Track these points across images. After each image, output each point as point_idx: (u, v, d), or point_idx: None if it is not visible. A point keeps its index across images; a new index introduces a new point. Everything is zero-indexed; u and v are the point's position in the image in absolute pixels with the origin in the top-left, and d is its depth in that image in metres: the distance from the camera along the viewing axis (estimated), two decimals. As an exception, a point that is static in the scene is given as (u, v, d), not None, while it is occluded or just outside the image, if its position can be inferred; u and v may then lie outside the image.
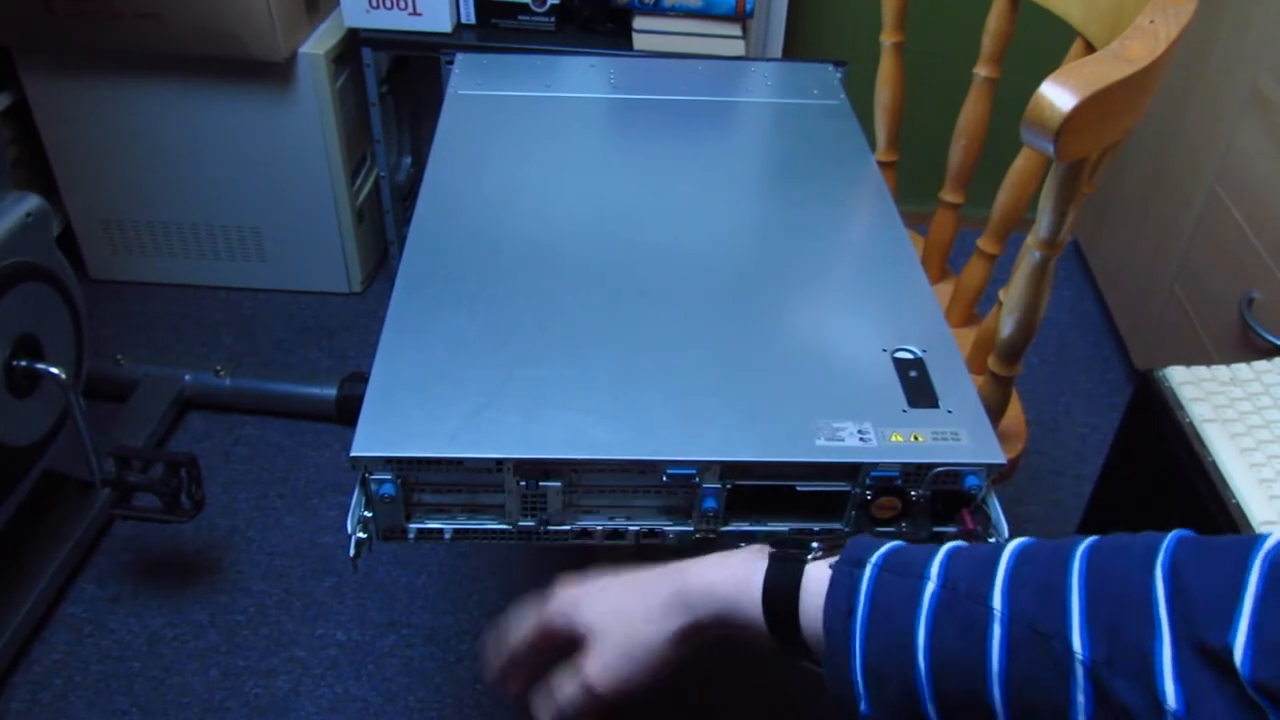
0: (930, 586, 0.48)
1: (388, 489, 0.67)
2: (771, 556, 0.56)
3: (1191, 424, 0.93)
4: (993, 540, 0.68)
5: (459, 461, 0.66)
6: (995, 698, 0.45)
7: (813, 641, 0.53)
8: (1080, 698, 0.42)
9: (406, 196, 1.94)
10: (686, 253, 0.87)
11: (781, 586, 0.54)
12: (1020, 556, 0.48)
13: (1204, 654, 0.40)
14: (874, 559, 0.51)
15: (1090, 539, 0.47)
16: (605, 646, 0.57)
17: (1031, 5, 1.00)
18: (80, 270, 1.89)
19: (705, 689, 1.26)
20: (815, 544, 0.55)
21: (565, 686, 0.59)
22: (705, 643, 0.59)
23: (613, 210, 0.92)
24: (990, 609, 0.46)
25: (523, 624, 0.62)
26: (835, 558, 0.53)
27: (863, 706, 0.50)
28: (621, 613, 0.58)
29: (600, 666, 0.57)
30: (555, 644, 0.61)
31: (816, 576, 0.53)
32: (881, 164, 1.11)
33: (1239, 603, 0.40)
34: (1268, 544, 0.42)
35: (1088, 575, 0.45)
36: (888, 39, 1.16)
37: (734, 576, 0.56)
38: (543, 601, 0.61)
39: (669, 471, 0.66)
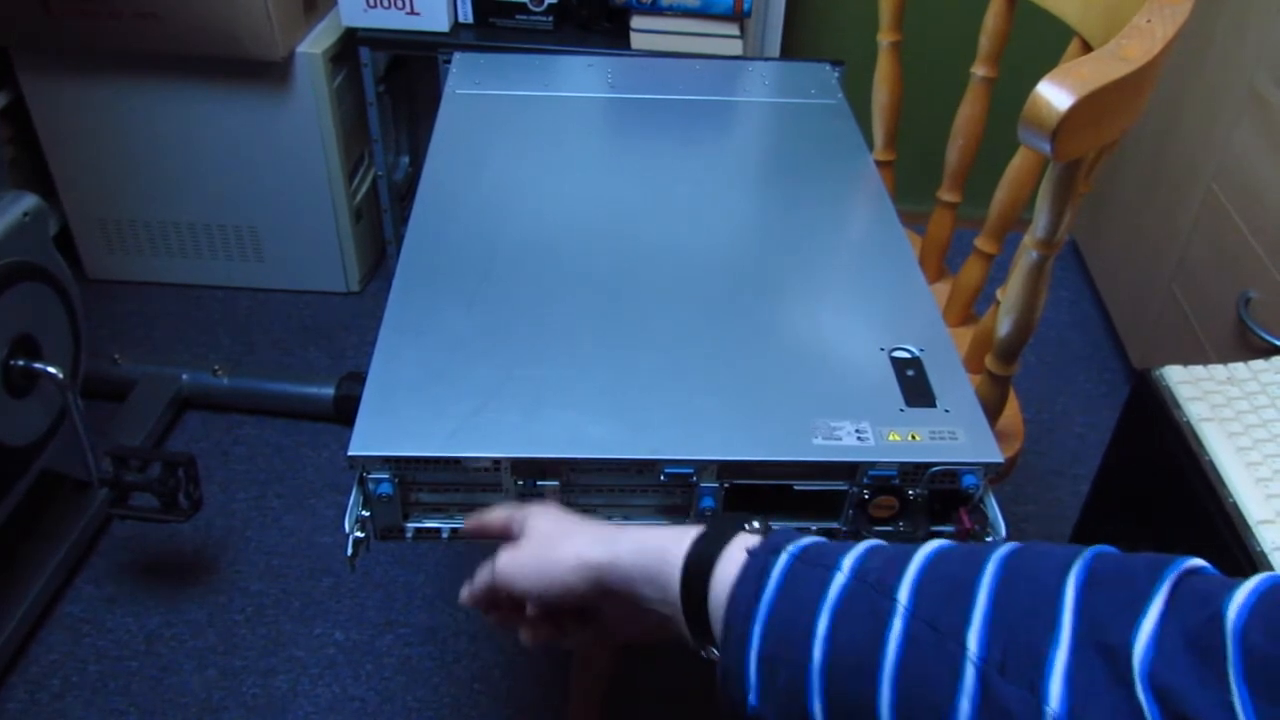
0: (840, 577, 0.47)
1: (385, 488, 0.67)
2: (701, 533, 0.54)
3: (1189, 423, 0.93)
4: (990, 540, 0.68)
5: (457, 461, 0.66)
6: (883, 698, 0.43)
7: (716, 626, 0.51)
8: (965, 703, 0.41)
9: (404, 196, 1.94)
10: (684, 252, 0.87)
11: (701, 563, 0.52)
12: (938, 554, 0.47)
13: (1103, 652, 0.39)
14: (791, 548, 0.50)
15: (1012, 545, 0.46)
16: (526, 545, 0.60)
17: (1029, 5, 1.01)
18: (78, 270, 1.89)
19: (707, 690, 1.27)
20: (751, 523, 0.53)
21: (480, 571, 0.62)
22: (618, 613, 0.60)
23: (611, 210, 0.92)
24: (895, 601, 0.45)
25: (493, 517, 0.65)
26: (757, 541, 0.52)
27: (751, 698, 0.48)
28: (558, 527, 0.60)
29: (510, 557, 0.60)
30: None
31: (733, 559, 0.51)
32: (879, 163, 1.11)
33: (1147, 604, 0.40)
34: (1188, 562, 0.42)
35: (1001, 577, 0.44)
36: (885, 38, 1.17)
37: (661, 544, 0.54)
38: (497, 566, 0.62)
39: (667, 470, 0.67)
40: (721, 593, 0.51)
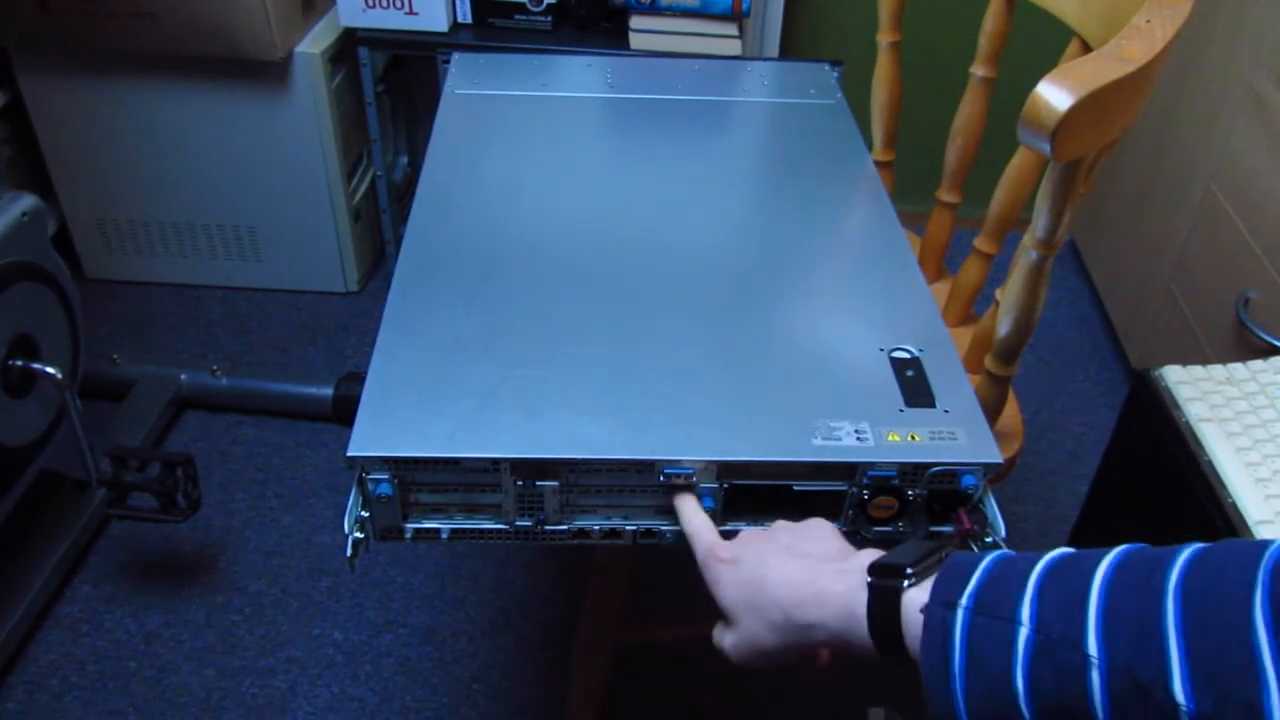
0: (1024, 631, 0.47)
1: (385, 489, 0.67)
2: (869, 588, 0.56)
3: (1188, 423, 0.93)
4: (990, 540, 0.68)
5: (456, 461, 0.66)
6: None
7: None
8: None
9: (403, 196, 1.94)
10: (683, 252, 0.87)
11: (883, 619, 0.54)
12: (1112, 588, 0.46)
13: None
14: (964, 601, 0.50)
15: (1184, 561, 0.45)
16: (737, 633, 0.63)
17: (1028, 5, 1.01)
18: (76, 270, 1.88)
19: (709, 692, 1.27)
20: (909, 569, 0.54)
21: (719, 637, 0.65)
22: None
23: (610, 210, 0.92)
24: (1086, 656, 0.44)
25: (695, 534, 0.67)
26: (929, 585, 0.53)
27: None
28: (751, 612, 0.61)
29: (733, 646, 0.63)
30: None
31: (914, 604, 0.53)
32: (878, 163, 1.11)
33: None
34: None
35: (1185, 612, 0.43)
36: (884, 38, 1.16)
37: (840, 613, 0.57)
38: (709, 555, 0.65)
39: (666, 471, 0.66)
40: (914, 640, 0.52)
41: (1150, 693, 0.42)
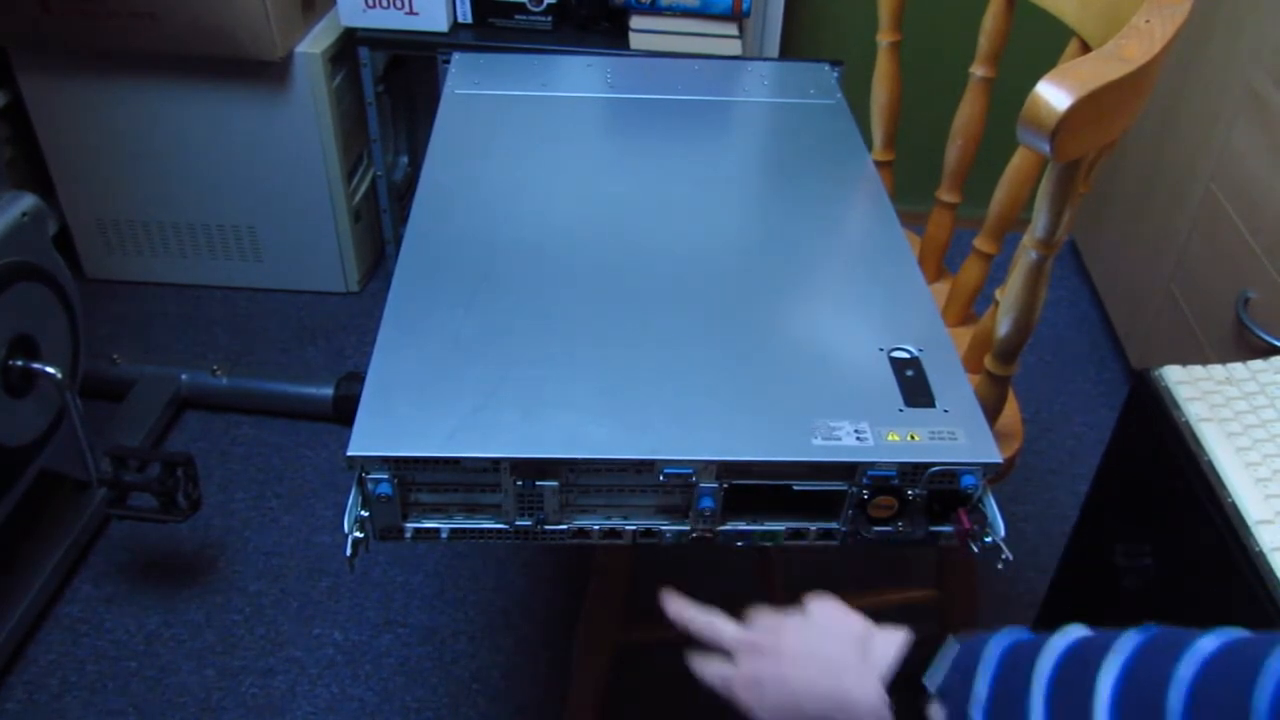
0: None
1: (384, 489, 0.67)
2: (893, 712, 0.56)
3: (1187, 423, 0.93)
4: (989, 540, 0.68)
5: (456, 461, 0.66)
6: None
7: None
8: None
9: (403, 196, 1.94)
10: (683, 252, 0.87)
11: None
12: (1118, 705, 0.46)
13: None
14: (976, 714, 0.51)
15: (1191, 667, 0.45)
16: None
17: (1028, 5, 1.01)
18: (76, 270, 1.88)
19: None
20: (929, 687, 0.55)
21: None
22: None
23: (610, 210, 0.92)
24: None
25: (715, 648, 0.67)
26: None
27: None
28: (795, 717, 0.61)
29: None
30: None
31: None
32: (878, 163, 1.11)
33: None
34: None
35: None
36: (884, 38, 1.16)
37: (872, 714, 0.57)
38: (727, 685, 0.65)
39: (666, 471, 0.67)
40: None
41: None
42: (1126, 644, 0.48)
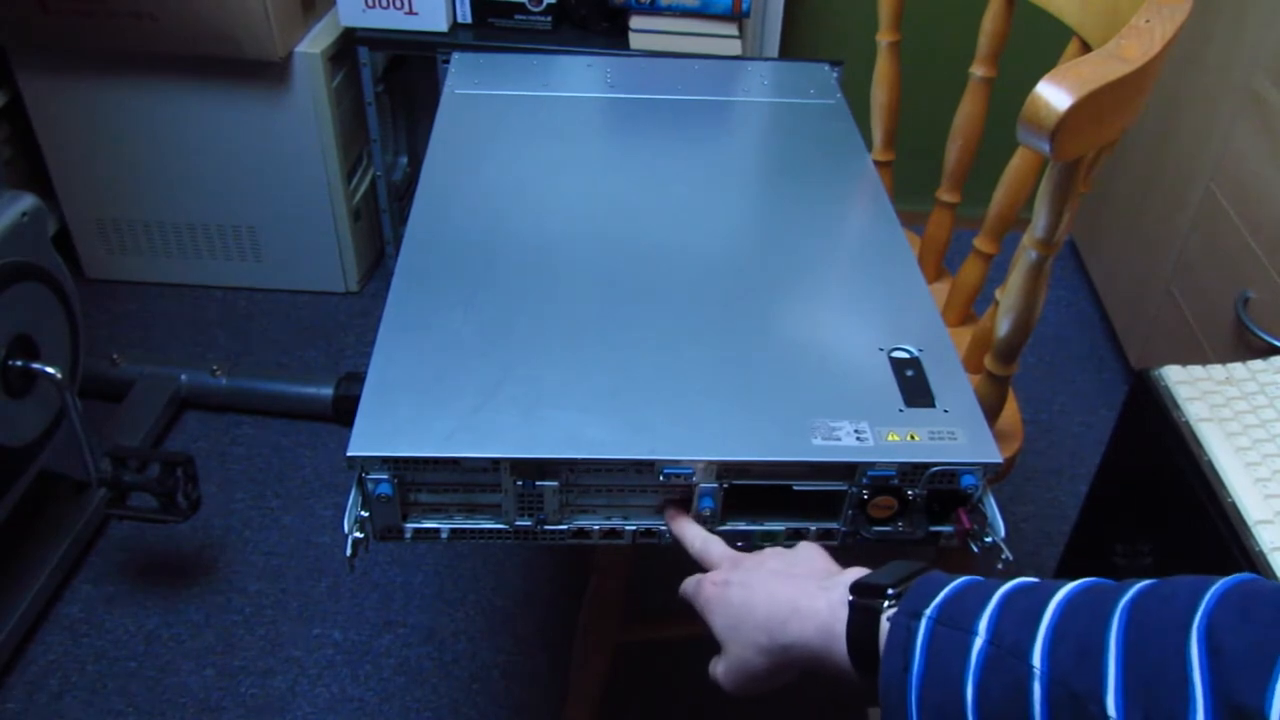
0: (979, 642, 0.48)
1: (384, 489, 0.67)
2: (850, 606, 0.56)
3: (1187, 423, 0.93)
4: (989, 540, 0.68)
5: (456, 461, 0.66)
6: None
7: None
8: None
9: (403, 196, 1.94)
10: (683, 252, 0.87)
11: (863, 639, 0.54)
12: (1066, 609, 0.47)
13: (1238, 716, 0.38)
14: (929, 610, 0.51)
15: (1138, 588, 0.46)
16: (726, 659, 0.63)
17: (1028, 5, 1.01)
18: (76, 270, 1.88)
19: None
20: (890, 589, 0.54)
21: (713, 668, 0.65)
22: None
23: (609, 210, 0.92)
24: (1030, 667, 0.45)
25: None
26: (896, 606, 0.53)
27: None
28: (738, 636, 0.61)
29: (724, 672, 0.63)
30: None
31: (885, 629, 0.53)
32: (878, 163, 1.11)
33: (1277, 659, 0.38)
34: None
35: (1127, 632, 0.44)
36: (884, 38, 1.16)
37: (820, 630, 0.57)
38: (697, 583, 0.65)
39: (666, 471, 0.66)
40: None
41: (1085, 706, 0.43)
42: (1086, 579, 0.49)
